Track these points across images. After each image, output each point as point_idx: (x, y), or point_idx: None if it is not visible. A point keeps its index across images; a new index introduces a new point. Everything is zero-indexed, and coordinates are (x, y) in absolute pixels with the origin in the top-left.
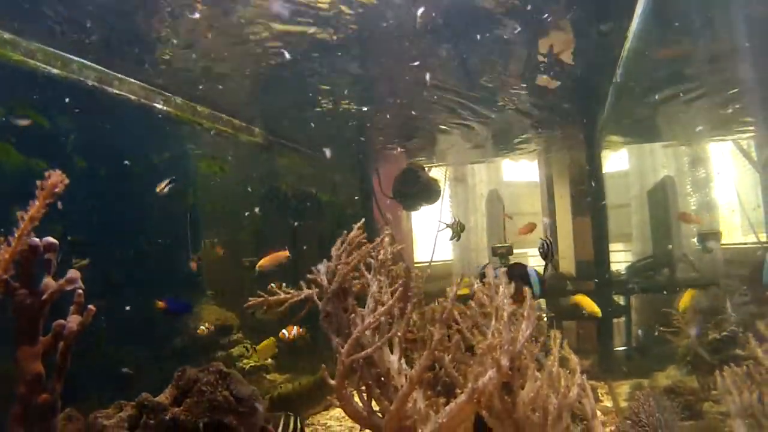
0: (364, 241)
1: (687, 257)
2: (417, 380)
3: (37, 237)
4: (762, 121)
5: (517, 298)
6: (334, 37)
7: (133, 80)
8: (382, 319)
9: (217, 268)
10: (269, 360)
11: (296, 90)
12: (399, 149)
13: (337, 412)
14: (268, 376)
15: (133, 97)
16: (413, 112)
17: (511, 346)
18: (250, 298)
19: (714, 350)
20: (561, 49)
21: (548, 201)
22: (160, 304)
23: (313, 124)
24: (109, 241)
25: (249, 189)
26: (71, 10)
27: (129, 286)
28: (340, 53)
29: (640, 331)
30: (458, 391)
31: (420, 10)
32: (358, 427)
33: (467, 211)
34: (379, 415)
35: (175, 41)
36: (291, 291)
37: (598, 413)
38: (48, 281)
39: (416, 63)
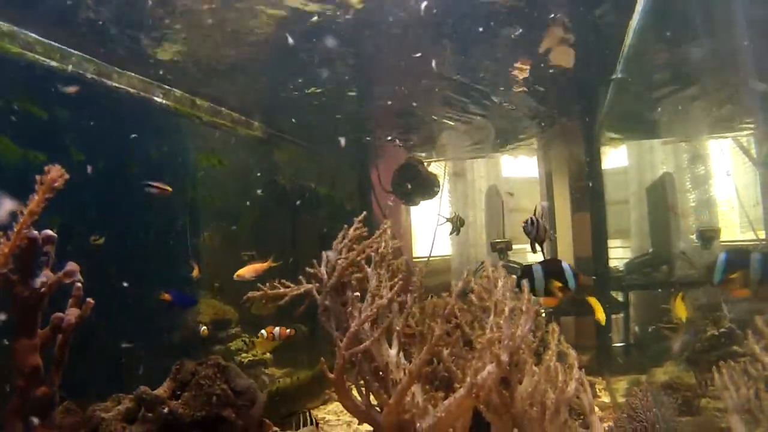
0: (365, 235)
1: (685, 254)
2: (416, 374)
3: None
4: (762, 118)
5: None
6: (334, 26)
7: (132, 74)
8: (381, 312)
9: (215, 261)
10: (267, 354)
11: (295, 81)
12: (398, 141)
13: (335, 406)
14: (266, 370)
15: (132, 90)
16: (414, 104)
17: (511, 341)
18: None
19: (711, 347)
20: (560, 43)
21: (547, 197)
22: (166, 296)
23: (312, 118)
24: (107, 233)
25: (247, 183)
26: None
27: (127, 279)
28: (341, 42)
29: (637, 328)
30: (457, 385)
31: (424, 3)
32: (356, 421)
33: (466, 206)
34: (378, 409)
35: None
36: (291, 285)
37: (596, 408)
38: (46, 274)
39: (418, 54)
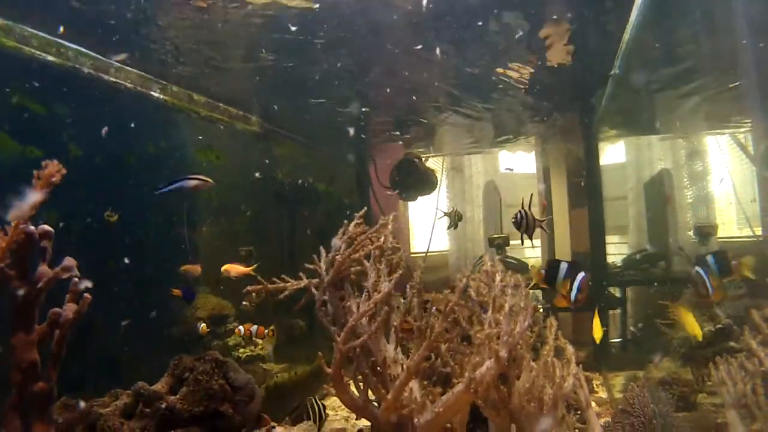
0: (365, 231)
1: (683, 250)
2: (414, 370)
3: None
4: (759, 115)
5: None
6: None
7: (130, 68)
8: (379, 307)
9: (213, 257)
10: (266, 350)
11: (293, 75)
12: (396, 135)
13: (333, 401)
14: (264, 365)
15: (129, 85)
16: (414, 97)
17: (510, 337)
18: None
19: (708, 343)
20: (558, 39)
21: (545, 192)
22: (176, 292)
23: (309, 113)
24: (106, 228)
25: (245, 178)
26: None
27: (125, 274)
28: (341, 34)
29: (635, 323)
30: (455, 380)
31: None
32: (353, 416)
33: (464, 201)
34: (375, 404)
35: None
36: (290, 280)
37: (593, 404)
38: (43, 269)
39: (419, 47)
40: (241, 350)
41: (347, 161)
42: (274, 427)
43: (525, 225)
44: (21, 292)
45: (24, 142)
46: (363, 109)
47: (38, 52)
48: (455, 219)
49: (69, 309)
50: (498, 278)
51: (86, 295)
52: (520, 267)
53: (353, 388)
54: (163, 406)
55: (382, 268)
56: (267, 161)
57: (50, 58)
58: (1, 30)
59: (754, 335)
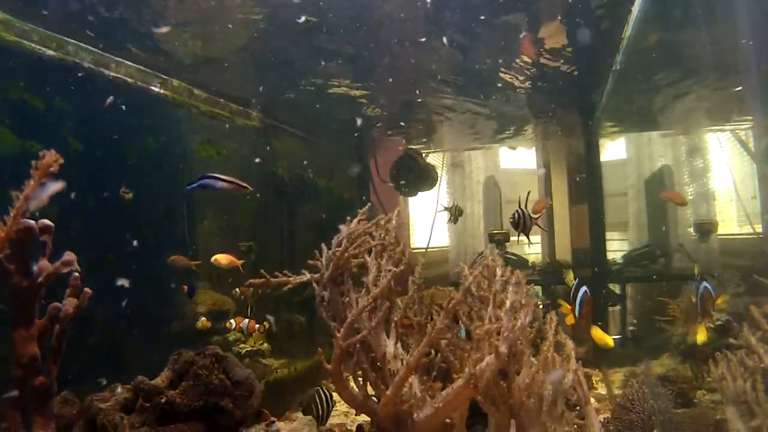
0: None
1: (683, 247)
2: (414, 365)
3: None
4: (760, 111)
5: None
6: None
7: (129, 63)
8: (379, 302)
9: (213, 252)
10: (265, 345)
11: (293, 70)
12: (397, 130)
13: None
14: (263, 361)
15: (129, 80)
16: (416, 91)
17: (511, 333)
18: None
19: (708, 339)
20: (558, 36)
21: (545, 189)
22: (185, 288)
23: (310, 108)
24: (105, 223)
25: (246, 173)
26: None
27: (125, 269)
28: (342, 30)
29: (635, 320)
30: (455, 376)
31: None
32: (353, 411)
33: (464, 197)
34: (375, 399)
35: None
36: (291, 275)
37: (592, 400)
38: (44, 263)
39: (423, 39)
40: (241, 345)
41: (348, 156)
42: (273, 422)
43: (522, 224)
44: (21, 286)
45: (23, 137)
46: (363, 107)
47: (38, 47)
48: (455, 213)
49: (69, 304)
50: (498, 273)
51: (86, 289)
52: (520, 263)
53: (353, 384)
54: (163, 400)
55: (383, 263)
56: (267, 156)
57: (50, 52)
58: (1, 24)
59: (753, 332)
